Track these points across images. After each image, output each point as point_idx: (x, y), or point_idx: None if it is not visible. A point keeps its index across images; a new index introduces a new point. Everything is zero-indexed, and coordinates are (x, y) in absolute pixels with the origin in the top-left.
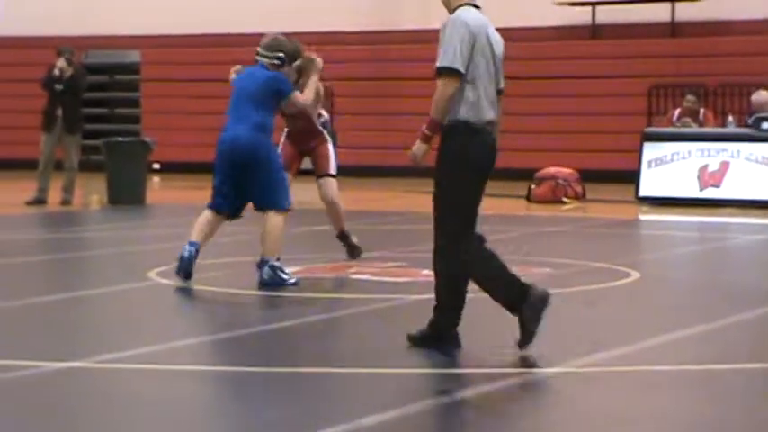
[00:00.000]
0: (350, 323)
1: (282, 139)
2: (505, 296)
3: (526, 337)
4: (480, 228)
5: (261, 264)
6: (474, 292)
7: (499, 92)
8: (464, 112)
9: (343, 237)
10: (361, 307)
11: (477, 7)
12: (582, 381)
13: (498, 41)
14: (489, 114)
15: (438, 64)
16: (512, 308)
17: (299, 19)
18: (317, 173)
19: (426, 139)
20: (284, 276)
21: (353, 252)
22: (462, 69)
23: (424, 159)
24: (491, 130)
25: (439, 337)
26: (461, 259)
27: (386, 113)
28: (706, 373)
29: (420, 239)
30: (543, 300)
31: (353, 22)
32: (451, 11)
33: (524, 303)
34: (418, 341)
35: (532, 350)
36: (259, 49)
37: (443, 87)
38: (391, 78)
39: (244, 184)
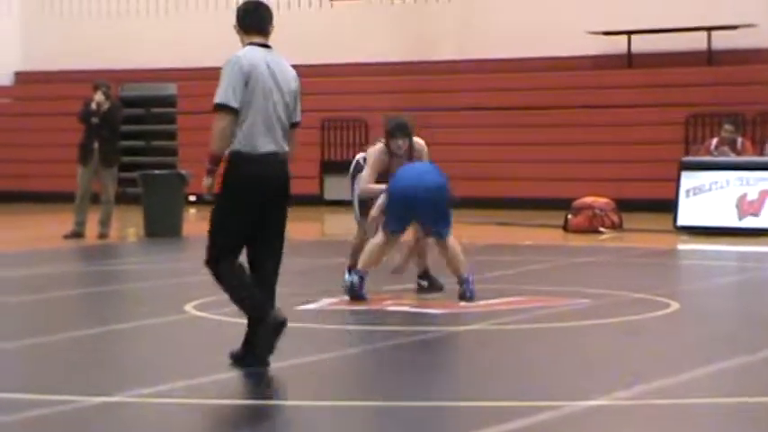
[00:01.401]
0: (388, 355)
1: None
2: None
3: (253, 359)
4: (517, 258)
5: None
6: (512, 324)
7: (293, 124)
8: (237, 144)
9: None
10: (399, 339)
11: (265, 46)
12: (620, 413)
13: (286, 77)
14: (266, 146)
15: (214, 100)
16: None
17: (333, 51)
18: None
19: (209, 172)
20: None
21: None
22: (234, 105)
23: (212, 189)
24: (271, 161)
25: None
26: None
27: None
28: (746, 406)
29: None
30: (279, 325)
31: (390, 53)
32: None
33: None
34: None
35: (571, 382)
36: None
37: (217, 122)
38: (427, 109)
39: None
